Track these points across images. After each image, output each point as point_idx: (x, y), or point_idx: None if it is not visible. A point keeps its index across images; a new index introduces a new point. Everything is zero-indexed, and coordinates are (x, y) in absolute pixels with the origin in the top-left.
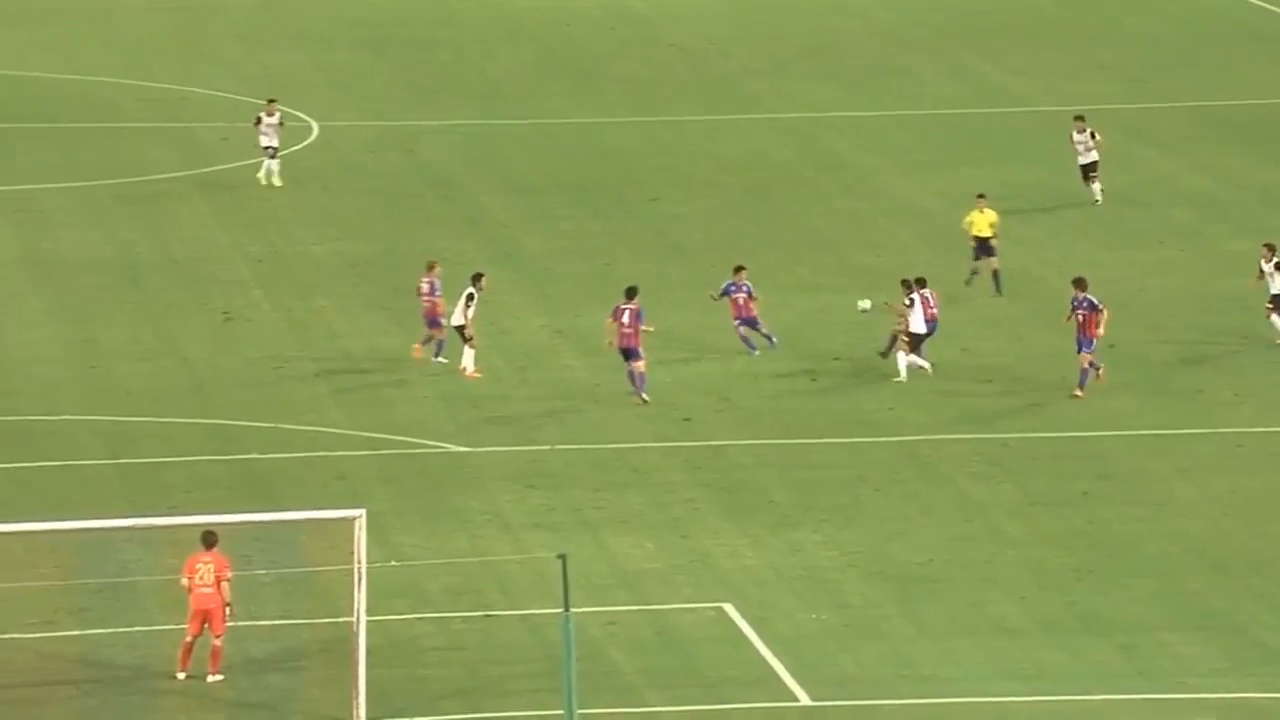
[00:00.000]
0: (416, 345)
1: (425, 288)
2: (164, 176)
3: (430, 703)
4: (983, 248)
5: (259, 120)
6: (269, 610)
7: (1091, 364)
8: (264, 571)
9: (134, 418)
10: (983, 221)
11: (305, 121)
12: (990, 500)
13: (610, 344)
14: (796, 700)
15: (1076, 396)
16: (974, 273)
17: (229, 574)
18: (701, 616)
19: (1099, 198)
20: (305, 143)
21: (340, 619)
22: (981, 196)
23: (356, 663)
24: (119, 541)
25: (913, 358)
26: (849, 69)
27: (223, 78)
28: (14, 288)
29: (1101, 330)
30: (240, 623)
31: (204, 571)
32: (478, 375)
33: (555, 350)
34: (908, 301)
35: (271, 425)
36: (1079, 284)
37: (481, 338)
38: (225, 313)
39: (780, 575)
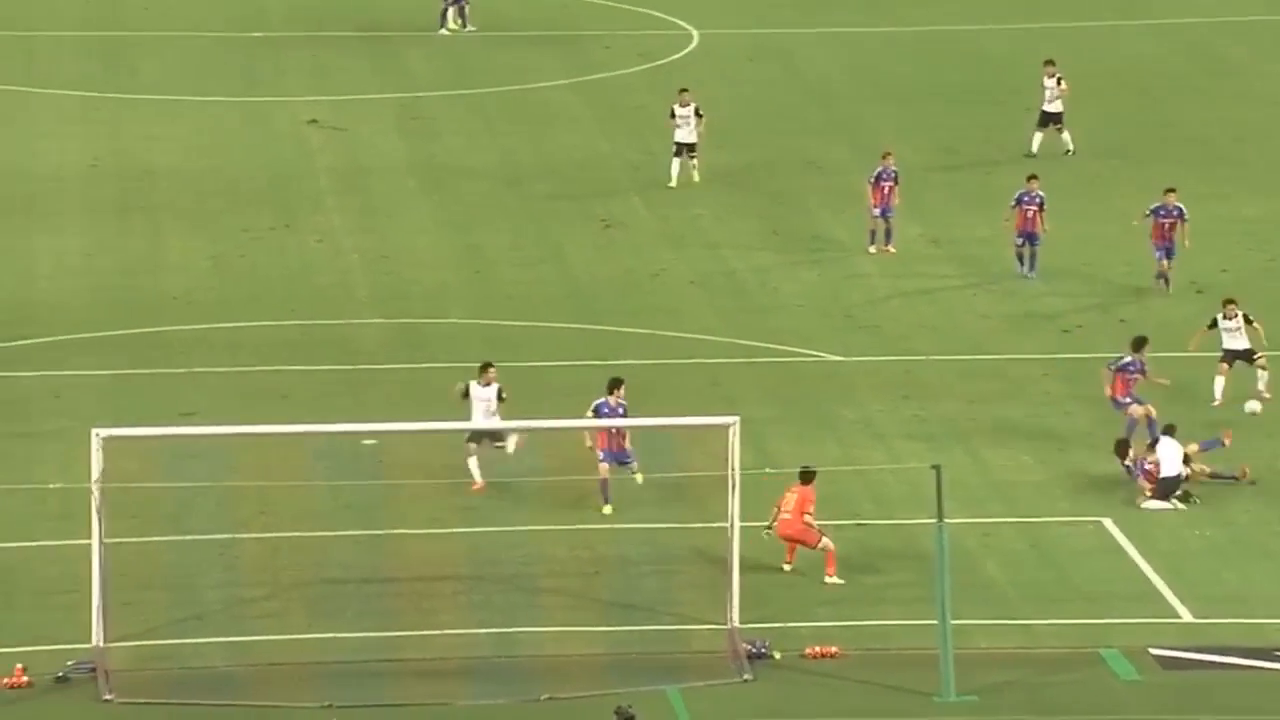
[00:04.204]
0: None
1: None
2: (547, 84)
3: (803, 609)
4: None
5: (672, 114)
6: (645, 514)
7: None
8: (640, 476)
9: (517, 322)
10: None
11: (686, 29)
12: None
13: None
14: (1179, 617)
15: None
16: None
17: (810, 508)
18: (1079, 530)
19: (1070, 146)
20: (685, 51)
21: (714, 524)
22: None
23: (730, 568)
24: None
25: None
26: None
27: None
28: (404, 194)
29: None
30: (616, 525)
31: (790, 500)
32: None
33: (932, 260)
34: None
35: (649, 332)
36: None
37: (856, 245)
38: (604, 220)
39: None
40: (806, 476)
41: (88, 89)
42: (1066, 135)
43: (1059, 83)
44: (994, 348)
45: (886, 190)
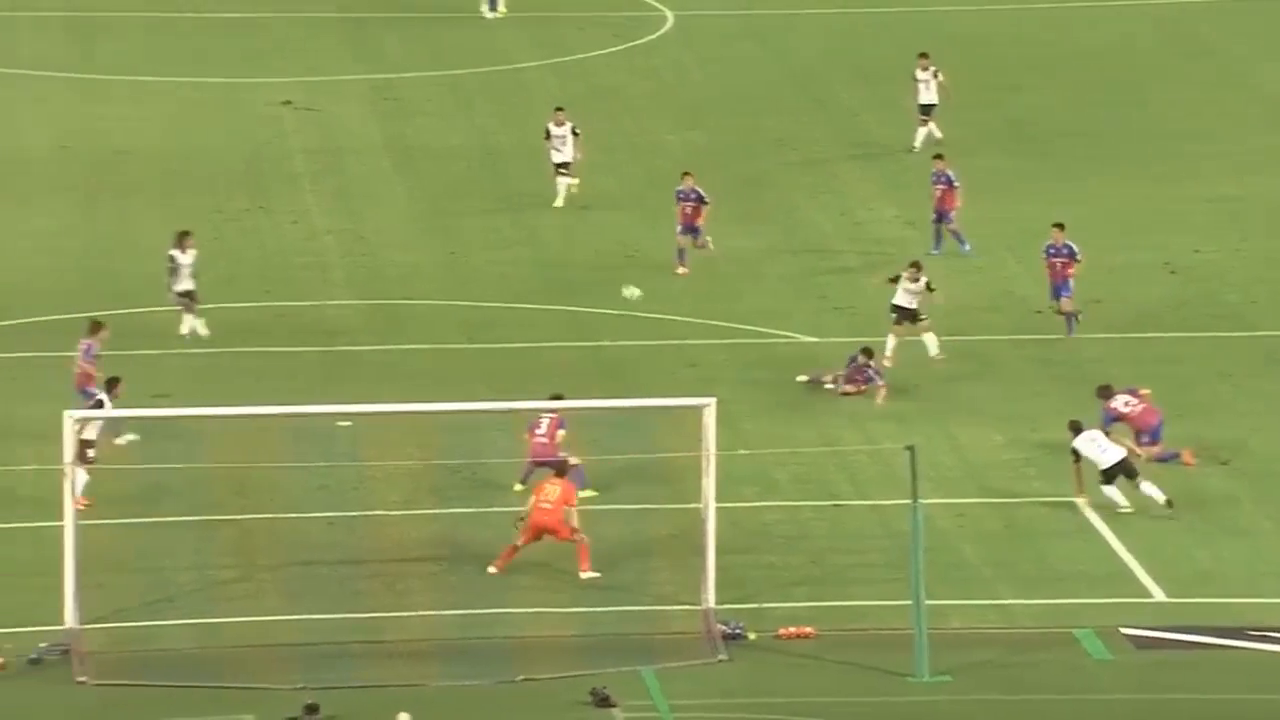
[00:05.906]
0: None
1: None
2: (523, 66)
3: (778, 589)
4: None
5: (547, 134)
6: (620, 495)
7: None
8: (616, 457)
9: (491, 304)
10: None
11: (660, 11)
12: None
13: None
14: (1151, 596)
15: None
16: None
17: (574, 500)
18: (1053, 510)
19: (939, 135)
20: (660, 32)
21: (689, 505)
22: None
23: (705, 549)
24: (477, 424)
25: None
26: None
27: None
28: (379, 175)
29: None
30: (593, 506)
31: (551, 491)
32: None
33: (906, 242)
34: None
35: (624, 313)
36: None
37: (831, 227)
38: (579, 202)
39: None
40: (562, 469)
41: (58, 69)
42: (933, 125)
43: (935, 75)
44: (968, 328)
45: (689, 211)
